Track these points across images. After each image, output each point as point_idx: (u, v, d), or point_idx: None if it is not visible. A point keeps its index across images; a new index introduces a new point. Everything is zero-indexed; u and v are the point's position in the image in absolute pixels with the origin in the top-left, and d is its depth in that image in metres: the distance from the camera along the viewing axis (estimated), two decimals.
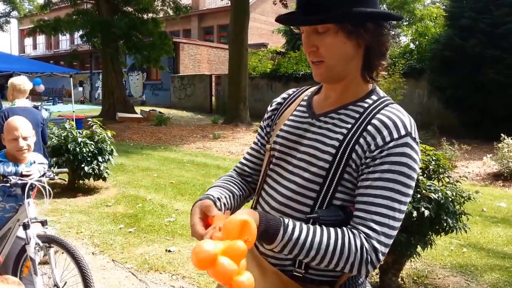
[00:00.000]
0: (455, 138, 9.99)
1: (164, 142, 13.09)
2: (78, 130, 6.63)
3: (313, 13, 1.15)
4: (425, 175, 3.34)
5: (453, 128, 12.28)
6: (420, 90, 14.89)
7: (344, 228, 1.12)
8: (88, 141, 6.34)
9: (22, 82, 4.35)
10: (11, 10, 34.72)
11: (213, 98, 22.25)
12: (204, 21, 32.58)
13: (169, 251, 4.31)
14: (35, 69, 14.45)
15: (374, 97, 1.24)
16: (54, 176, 2.92)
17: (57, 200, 6.05)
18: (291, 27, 1.31)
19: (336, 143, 1.18)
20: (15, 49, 53.48)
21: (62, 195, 6.35)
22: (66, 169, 3.72)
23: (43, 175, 2.84)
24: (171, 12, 20.26)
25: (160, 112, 18.50)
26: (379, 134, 1.14)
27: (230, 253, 0.95)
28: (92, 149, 6.30)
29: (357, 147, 1.16)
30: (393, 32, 1.26)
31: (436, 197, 3.06)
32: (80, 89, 30.83)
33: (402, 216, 1.13)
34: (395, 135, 1.13)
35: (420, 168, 3.26)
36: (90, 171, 6.28)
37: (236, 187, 1.40)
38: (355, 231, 1.11)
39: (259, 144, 1.47)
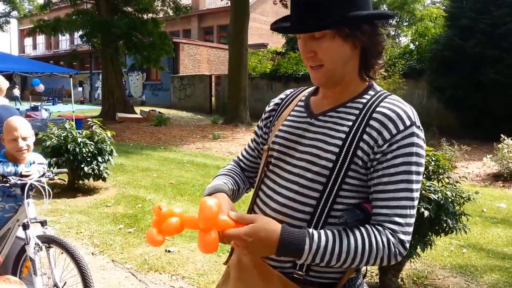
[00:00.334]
0: (455, 138, 9.99)
1: (164, 142, 13.09)
2: (78, 130, 6.63)
3: (309, 18, 1.16)
4: (424, 176, 3.34)
5: (452, 128, 12.28)
6: (420, 91, 14.89)
7: (368, 226, 1.14)
8: (88, 141, 6.33)
9: None
10: (11, 10, 34.73)
11: (213, 99, 22.26)
12: (204, 21, 32.58)
13: (169, 251, 4.30)
14: (35, 69, 14.45)
15: (372, 92, 1.25)
16: (53, 176, 2.92)
17: (57, 200, 6.05)
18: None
19: (339, 142, 1.18)
20: (15, 49, 53.51)
21: (62, 195, 6.35)
22: (65, 169, 3.72)
23: (42, 175, 2.84)
24: (171, 12, 20.27)
25: (160, 113, 18.50)
26: (385, 128, 1.15)
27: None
28: (92, 149, 6.30)
29: (361, 144, 1.16)
30: (388, 31, 1.28)
31: (436, 198, 3.06)
32: (80, 89, 30.84)
33: (417, 201, 1.18)
34: (401, 127, 1.15)
35: None
36: (90, 171, 6.28)
37: (240, 181, 1.45)
38: (380, 228, 1.14)
39: (254, 143, 1.49)
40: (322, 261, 1.11)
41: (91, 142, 6.37)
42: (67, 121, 7.85)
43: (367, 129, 1.17)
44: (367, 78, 1.26)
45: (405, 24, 28.50)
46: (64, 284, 2.86)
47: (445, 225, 3.14)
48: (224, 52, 24.48)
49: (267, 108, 1.47)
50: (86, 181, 6.81)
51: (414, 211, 1.16)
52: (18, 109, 16.30)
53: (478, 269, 4.05)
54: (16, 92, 27.94)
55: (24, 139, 2.75)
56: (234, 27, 16.28)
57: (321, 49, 1.18)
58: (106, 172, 6.51)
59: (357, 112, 1.21)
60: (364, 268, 1.30)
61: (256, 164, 1.49)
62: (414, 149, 1.15)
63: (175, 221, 1.14)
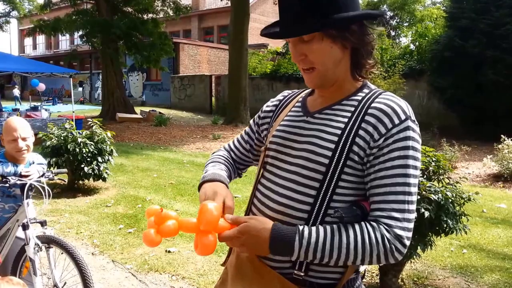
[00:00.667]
0: (455, 139, 9.99)
1: (164, 142, 13.09)
2: (78, 131, 6.63)
3: (296, 23, 1.18)
4: (425, 176, 3.34)
5: (453, 129, 12.28)
6: (420, 91, 14.90)
7: (363, 223, 1.14)
8: (88, 142, 6.33)
9: None
10: (11, 10, 34.69)
11: (213, 99, 22.25)
12: (204, 22, 32.59)
13: (169, 251, 4.30)
14: (35, 69, 14.45)
15: (366, 90, 1.26)
16: (53, 176, 2.92)
17: (57, 200, 6.05)
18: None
19: (335, 138, 1.19)
20: (15, 49, 53.57)
21: (62, 195, 6.35)
22: (65, 170, 3.73)
23: (42, 176, 2.84)
24: (171, 13, 20.25)
25: (160, 113, 18.50)
26: (380, 123, 1.16)
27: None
28: (92, 150, 6.30)
29: (357, 139, 1.17)
30: (377, 31, 1.29)
31: (436, 198, 3.06)
32: (80, 89, 30.85)
33: (416, 196, 1.16)
34: (396, 121, 1.15)
35: (420, 170, 3.26)
36: (90, 172, 6.28)
37: (232, 169, 1.50)
38: (374, 223, 1.13)
39: (247, 136, 1.52)
40: (315, 257, 1.12)
41: (91, 142, 6.37)
42: (67, 121, 7.85)
43: (363, 125, 1.17)
44: (360, 78, 1.27)
45: (405, 24, 28.49)
46: (64, 284, 2.85)
47: (445, 225, 3.14)
48: (224, 52, 24.48)
49: (265, 108, 1.48)
50: (86, 181, 6.81)
51: (412, 207, 1.14)
52: (18, 109, 16.38)
53: (478, 269, 4.05)
54: (16, 92, 27.95)
55: (23, 139, 2.75)
56: (234, 28, 16.27)
57: (311, 52, 1.20)
58: (106, 172, 6.50)
59: (352, 109, 1.22)
60: (362, 269, 1.30)
61: (246, 157, 1.52)
62: (410, 143, 1.15)
63: (172, 223, 1.18)
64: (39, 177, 2.81)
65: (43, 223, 2.79)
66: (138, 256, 4.19)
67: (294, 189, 1.22)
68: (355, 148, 1.17)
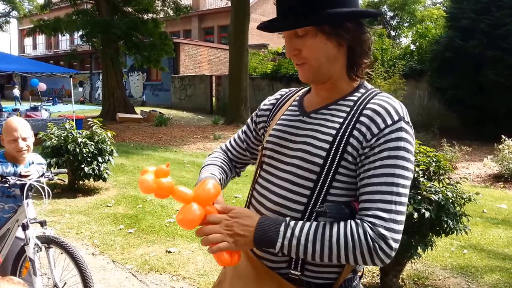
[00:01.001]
0: (456, 139, 9.99)
1: (165, 142, 13.09)
2: (78, 131, 6.63)
3: (290, 16, 1.18)
4: (425, 177, 3.33)
5: (453, 129, 12.28)
6: (421, 91, 14.90)
7: (348, 220, 1.12)
8: (88, 142, 6.33)
9: None
10: (11, 10, 34.72)
11: (214, 99, 22.26)
12: (204, 22, 32.61)
13: (170, 252, 4.30)
14: (35, 69, 14.45)
15: (362, 90, 1.25)
16: (53, 176, 2.92)
17: (57, 200, 6.05)
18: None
19: (330, 138, 1.18)
20: (15, 49, 53.61)
21: (62, 195, 6.35)
22: (65, 170, 3.72)
23: (42, 176, 2.83)
24: (171, 13, 20.27)
25: (160, 113, 18.50)
26: (373, 123, 1.14)
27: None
28: (92, 150, 6.30)
29: (351, 139, 1.16)
30: (374, 30, 1.28)
31: (437, 199, 3.05)
32: (80, 89, 30.85)
33: (406, 200, 1.13)
34: (389, 121, 1.14)
35: (421, 170, 3.26)
36: (90, 172, 6.28)
37: (228, 169, 1.50)
38: (358, 220, 1.11)
39: (244, 135, 1.52)
40: (298, 249, 1.11)
41: (92, 143, 6.37)
42: (67, 121, 7.85)
43: (357, 125, 1.16)
44: (356, 78, 1.26)
45: (405, 25, 28.50)
46: (64, 285, 2.85)
47: (445, 225, 3.13)
48: (224, 52, 24.49)
49: (263, 106, 1.48)
50: (86, 181, 6.80)
51: (401, 208, 1.10)
52: (18, 109, 16.38)
53: (478, 269, 4.04)
54: (16, 92, 27.96)
55: (24, 139, 2.75)
56: (234, 28, 16.27)
57: (305, 47, 1.19)
58: (106, 173, 6.50)
59: (347, 109, 1.21)
60: (361, 269, 1.30)
61: (244, 156, 1.52)
62: (401, 144, 1.12)
63: (168, 181, 1.19)
64: (39, 177, 2.81)
65: (43, 223, 2.79)
66: (139, 257, 4.19)
67: (289, 189, 1.22)
68: (349, 149, 1.16)
